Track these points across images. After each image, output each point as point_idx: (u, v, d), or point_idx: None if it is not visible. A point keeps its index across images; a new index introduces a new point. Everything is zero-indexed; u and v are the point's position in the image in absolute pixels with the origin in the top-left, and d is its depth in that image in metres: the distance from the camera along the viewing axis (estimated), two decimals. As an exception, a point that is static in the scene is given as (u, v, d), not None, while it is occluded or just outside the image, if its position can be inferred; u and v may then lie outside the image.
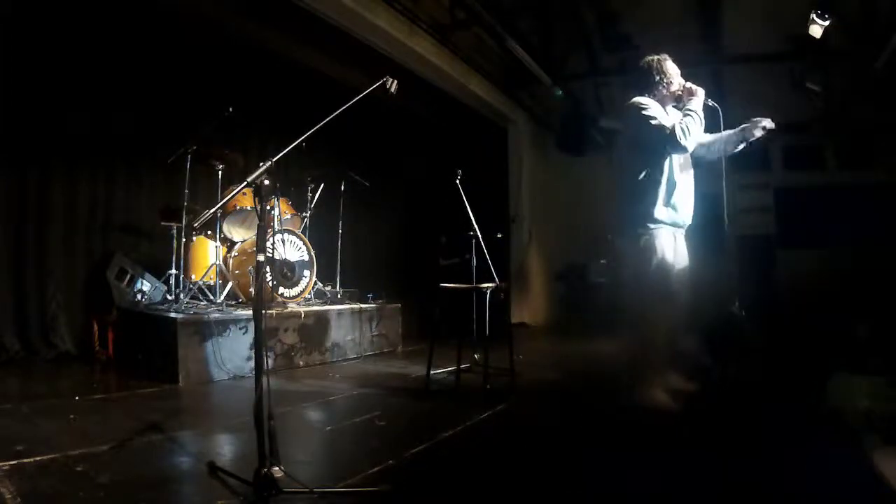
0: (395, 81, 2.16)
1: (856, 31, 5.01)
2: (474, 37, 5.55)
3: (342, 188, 5.02)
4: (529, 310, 7.36)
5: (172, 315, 3.40)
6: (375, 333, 4.55)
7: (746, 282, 7.04)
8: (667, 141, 2.61)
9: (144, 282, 4.19)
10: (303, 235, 4.31)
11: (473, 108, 6.58)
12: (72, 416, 2.41)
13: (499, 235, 3.24)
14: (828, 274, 6.17)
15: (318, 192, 4.80)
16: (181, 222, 3.95)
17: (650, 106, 2.69)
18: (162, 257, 4.20)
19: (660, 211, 2.71)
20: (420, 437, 2.22)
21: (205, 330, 3.33)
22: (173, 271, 3.96)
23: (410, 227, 7.09)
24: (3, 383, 3.09)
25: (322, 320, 4.09)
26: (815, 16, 4.52)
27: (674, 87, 2.77)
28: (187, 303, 3.84)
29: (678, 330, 2.87)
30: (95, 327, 3.99)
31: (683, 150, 2.65)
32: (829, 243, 6.53)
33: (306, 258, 4.22)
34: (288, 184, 4.83)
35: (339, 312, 4.26)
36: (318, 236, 4.70)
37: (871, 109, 6.03)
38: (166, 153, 3.97)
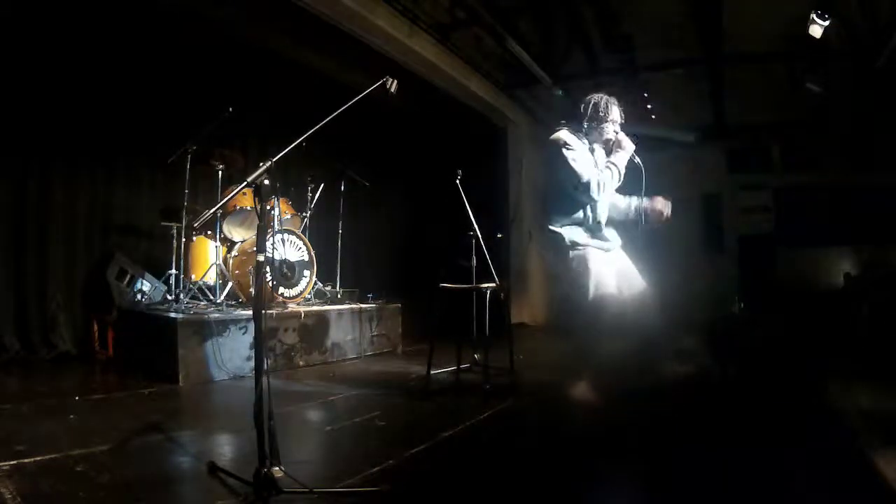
0: (395, 81, 2.16)
1: (856, 31, 5.00)
2: (474, 37, 5.55)
3: (342, 188, 5.02)
4: (529, 310, 7.36)
5: (172, 315, 3.40)
6: (375, 333, 4.55)
7: (746, 281, 7.06)
8: (579, 188, 2.62)
9: (144, 282, 4.19)
10: (303, 235, 4.31)
11: (473, 108, 6.57)
12: (72, 416, 2.41)
13: (499, 235, 3.24)
14: (828, 274, 6.18)
15: (318, 192, 4.80)
16: (181, 222, 3.95)
17: (575, 148, 2.67)
18: (162, 257, 4.21)
19: (583, 237, 2.72)
20: (420, 437, 2.22)
21: (205, 330, 3.33)
22: (173, 271, 3.96)
23: (410, 227, 7.09)
24: (3, 383, 3.09)
25: (322, 320, 4.09)
26: (815, 16, 4.52)
27: (607, 135, 2.76)
28: (187, 303, 3.84)
29: (614, 338, 2.87)
30: (95, 327, 3.99)
31: (592, 201, 2.67)
32: (829, 243, 6.54)
33: (306, 258, 4.22)
34: (288, 184, 4.83)
35: (339, 312, 4.26)
36: (318, 236, 4.70)
37: (871, 109, 6.03)
38: (166, 153, 3.97)
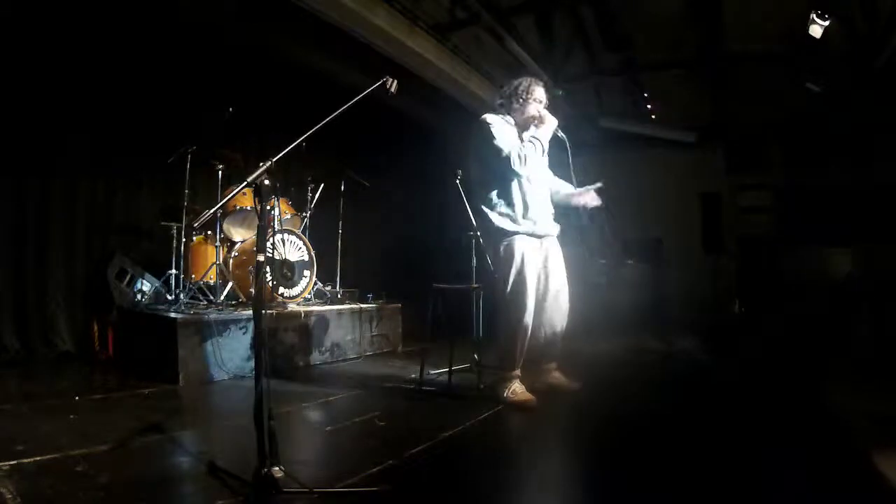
0: (395, 81, 2.17)
1: (856, 31, 5.00)
2: (474, 37, 5.55)
3: (342, 188, 5.02)
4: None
5: (172, 315, 3.40)
6: (375, 333, 4.55)
7: (746, 281, 7.05)
8: (502, 163, 2.74)
9: (144, 282, 4.19)
10: (303, 235, 4.31)
11: (473, 108, 6.57)
12: (72, 416, 2.41)
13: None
14: (828, 273, 6.18)
15: (318, 192, 4.80)
16: (181, 222, 3.95)
17: (495, 125, 2.82)
18: (162, 257, 4.20)
19: (513, 223, 2.83)
20: (420, 437, 2.22)
21: (205, 330, 3.33)
22: (173, 271, 3.96)
23: (410, 227, 7.08)
24: (3, 383, 3.08)
25: (322, 320, 4.09)
26: (815, 16, 4.52)
27: (530, 112, 2.90)
28: (187, 303, 3.84)
29: (548, 330, 3.00)
30: (95, 327, 3.99)
31: (516, 175, 2.79)
32: (829, 243, 6.53)
33: (306, 258, 4.22)
34: (288, 184, 4.83)
35: (339, 312, 4.26)
36: (318, 236, 4.70)
37: (871, 109, 6.03)
38: (166, 153, 3.97)
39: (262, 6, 4.28)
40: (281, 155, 1.80)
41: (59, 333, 3.97)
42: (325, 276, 4.79)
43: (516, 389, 2.81)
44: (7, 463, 1.80)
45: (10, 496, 1.56)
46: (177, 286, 3.91)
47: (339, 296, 4.73)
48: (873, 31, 4.89)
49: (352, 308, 4.41)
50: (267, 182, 1.70)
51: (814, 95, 5.62)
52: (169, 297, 3.98)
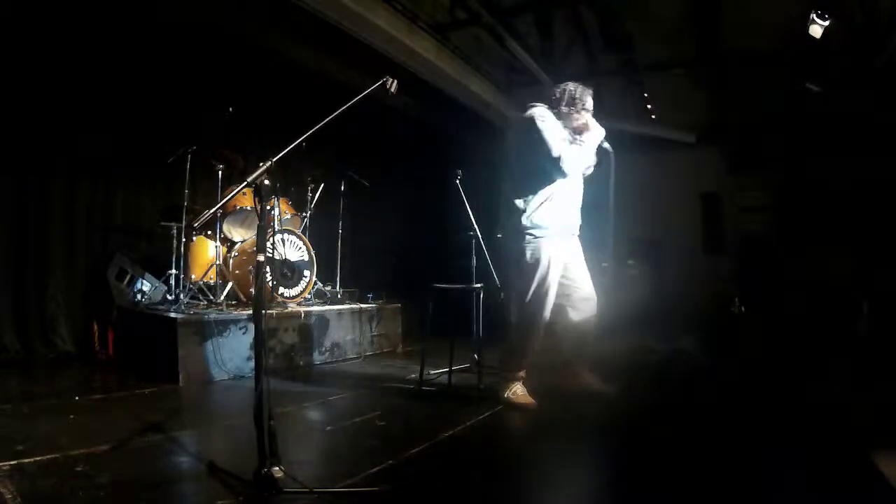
0: (395, 81, 2.16)
1: (856, 31, 5.00)
2: (474, 37, 5.54)
3: (342, 188, 5.02)
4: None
5: (172, 315, 3.40)
6: (375, 333, 4.55)
7: (746, 281, 7.05)
8: (549, 163, 2.67)
9: (144, 282, 4.19)
10: (303, 235, 4.31)
11: (473, 108, 6.57)
12: (72, 416, 2.41)
13: (499, 236, 3.25)
14: (828, 273, 6.17)
15: (318, 192, 4.80)
16: (181, 222, 3.95)
17: (547, 121, 2.73)
18: (162, 257, 4.20)
19: (543, 218, 2.77)
20: (420, 437, 2.22)
21: (205, 330, 3.33)
22: (173, 271, 3.95)
23: (410, 227, 7.08)
24: (3, 383, 3.09)
25: (322, 320, 4.09)
26: (815, 16, 4.52)
27: (579, 121, 2.84)
28: (187, 303, 3.84)
29: (577, 332, 2.97)
30: (95, 327, 3.99)
31: (563, 174, 2.71)
32: (829, 243, 6.53)
33: (306, 258, 4.22)
34: (288, 184, 4.83)
35: (339, 312, 4.26)
36: (318, 236, 4.70)
37: (871, 109, 6.03)
38: (166, 153, 3.97)
39: (262, 6, 4.28)
40: (281, 155, 1.80)
41: (59, 333, 3.96)
42: (325, 276, 4.79)
43: (517, 391, 2.80)
44: (7, 463, 1.80)
45: (10, 496, 1.56)
46: (177, 286, 3.91)
47: (339, 296, 4.73)
48: (873, 31, 4.88)
49: (352, 308, 4.41)
50: (267, 182, 1.70)
51: (814, 95, 5.61)
52: (169, 297, 3.98)
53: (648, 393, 3.24)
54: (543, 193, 2.77)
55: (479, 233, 3.39)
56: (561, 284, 2.86)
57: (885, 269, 5.63)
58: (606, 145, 2.86)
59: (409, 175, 7.01)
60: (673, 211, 7.35)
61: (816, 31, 4.60)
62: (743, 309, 6.58)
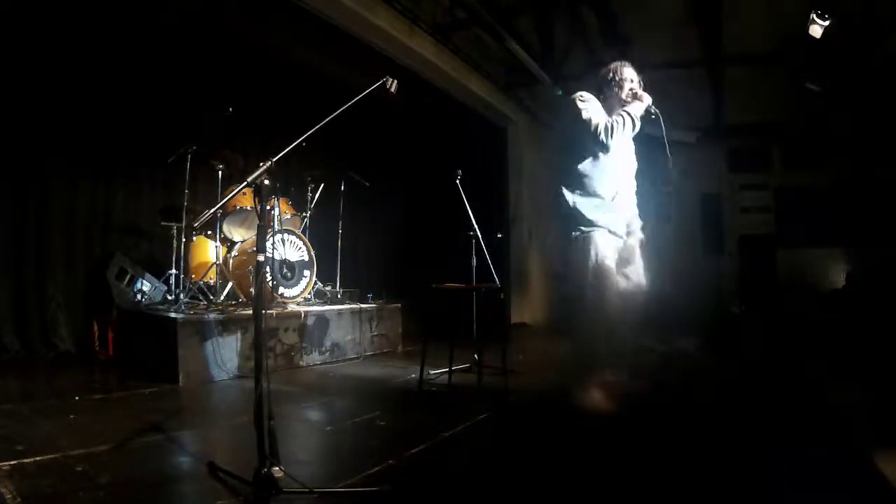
0: (395, 81, 2.16)
1: (856, 31, 5.00)
2: (474, 37, 5.54)
3: (342, 188, 5.02)
4: (529, 310, 7.36)
5: (172, 315, 3.40)
6: (375, 333, 4.55)
7: (746, 281, 7.06)
8: (589, 136, 2.65)
9: (144, 282, 4.19)
10: (303, 235, 4.31)
11: (473, 108, 6.57)
12: (72, 416, 2.41)
13: (499, 235, 3.26)
14: (828, 274, 6.18)
15: (318, 192, 4.81)
16: (181, 222, 3.95)
17: (587, 100, 2.75)
18: (162, 257, 4.21)
19: (594, 209, 2.71)
20: (420, 437, 2.22)
21: (205, 330, 3.33)
22: (173, 271, 3.96)
23: (410, 227, 7.09)
24: (3, 383, 3.08)
25: (322, 320, 4.09)
26: (815, 16, 4.52)
27: (623, 94, 2.83)
28: (187, 303, 3.84)
29: (621, 329, 2.86)
30: (95, 327, 3.99)
31: (604, 147, 2.68)
32: (829, 243, 6.54)
33: (306, 258, 4.22)
34: (288, 184, 4.83)
35: (339, 312, 4.26)
36: (318, 236, 4.70)
37: (871, 109, 6.03)
38: (166, 153, 3.97)
39: (262, 6, 4.28)
40: (281, 155, 1.80)
41: (59, 333, 3.97)
42: (324, 276, 4.79)
43: (592, 394, 2.68)
44: (7, 463, 1.80)
45: (10, 496, 1.56)
46: (177, 286, 3.91)
47: (339, 296, 4.73)
48: (873, 31, 4.88)
49: (352, 308, 4.41)
50: (267, 182, 1.70)
51: (814, 95, 5.61)
52: (169, 297, 3.98)
53: (648, 393, 3.23)
54: (590, 171, 2.72)
55: (478, 233, 3.39)
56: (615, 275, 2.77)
57: (885, 268, 5.62)
58: (654, 110, 2.82)
59: (409, 175, 7.01)
60: (673, 211, 7.35)
61: (816, 31, 4.60)
62: (743, 309, 6.58)
